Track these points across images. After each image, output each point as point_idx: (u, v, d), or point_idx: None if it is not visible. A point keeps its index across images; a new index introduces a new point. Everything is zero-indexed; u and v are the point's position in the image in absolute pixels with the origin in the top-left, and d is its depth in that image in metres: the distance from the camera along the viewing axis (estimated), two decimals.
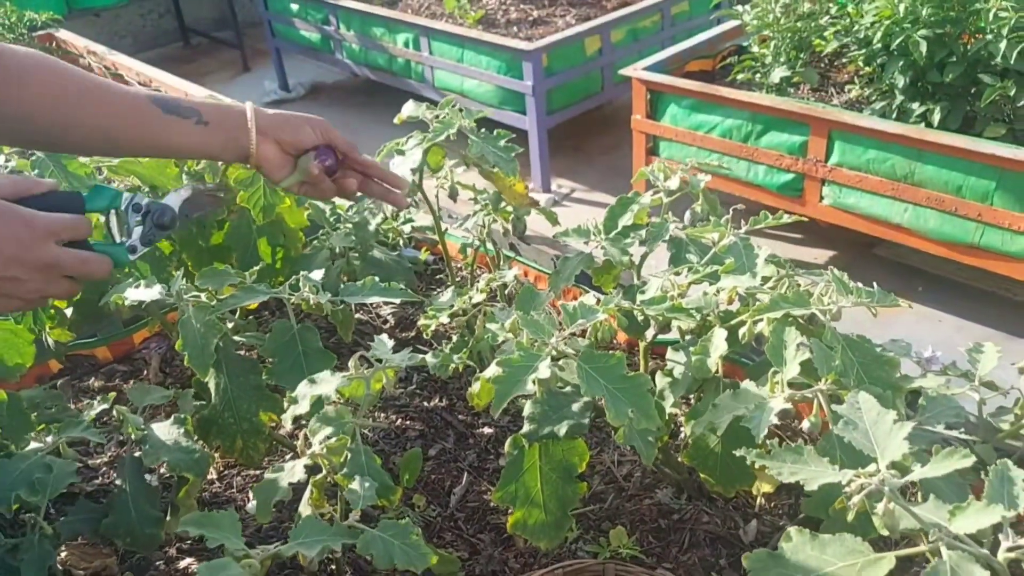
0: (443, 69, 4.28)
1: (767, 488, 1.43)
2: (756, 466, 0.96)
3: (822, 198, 3.04)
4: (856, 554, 0.82)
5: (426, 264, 2.17)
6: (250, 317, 1.72)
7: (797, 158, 3.02)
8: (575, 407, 1.10)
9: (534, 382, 1.01)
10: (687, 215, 1.36)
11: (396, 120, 1.68)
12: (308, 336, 1.37)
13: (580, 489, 1.17)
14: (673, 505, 1.46)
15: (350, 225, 1.88)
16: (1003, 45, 2.62)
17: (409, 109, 1.65)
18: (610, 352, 1.05)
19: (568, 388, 1.11)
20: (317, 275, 1.42)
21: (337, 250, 1.84)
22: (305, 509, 1.12)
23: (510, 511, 1.20)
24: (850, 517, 0.87)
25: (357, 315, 1.98)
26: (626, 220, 1.42)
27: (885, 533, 0.84)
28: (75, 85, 0.97)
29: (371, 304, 2.05)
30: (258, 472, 1.59)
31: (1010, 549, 0.78)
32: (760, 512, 1.45)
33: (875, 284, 1.13)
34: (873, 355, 1.05)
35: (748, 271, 1.15)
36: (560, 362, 1.05)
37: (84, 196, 0.93)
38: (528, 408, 1.12)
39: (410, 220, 2.02)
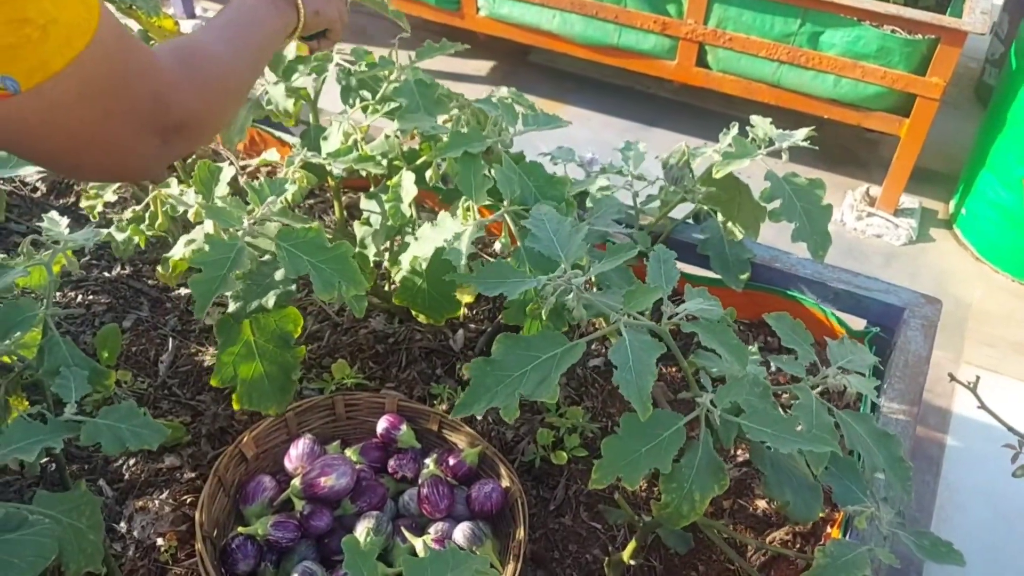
0: None
1: (468, 299, 1.57)
2: (461, 286, 1.05)
3: (479, 9, 3.11)
4: (557, 344, 0.95)
5: None
6: None
7: None
8: (279, 275, 1.07)
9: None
10: (351, 51, 1.32)
11: None
12: None
13: (299, 353, 1.17)
14: (387, 330, 1.55)
15: None
16: None
17: None
18: (308, 226, 1.04)
19: (268, 256, 1.08)
20: None
21: None
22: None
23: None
24: (544, 315, 1.00)
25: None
26: (290, 55, 1.36)
27: (576, 322, 0.98)
28: None
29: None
30: None
31: (670, 317, 0.95)
32: (465, 321, 1.59)
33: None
34: (546, 177, 1.15)
35: (423, 110, 1.17)
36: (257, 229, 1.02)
37: None
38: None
39: None
